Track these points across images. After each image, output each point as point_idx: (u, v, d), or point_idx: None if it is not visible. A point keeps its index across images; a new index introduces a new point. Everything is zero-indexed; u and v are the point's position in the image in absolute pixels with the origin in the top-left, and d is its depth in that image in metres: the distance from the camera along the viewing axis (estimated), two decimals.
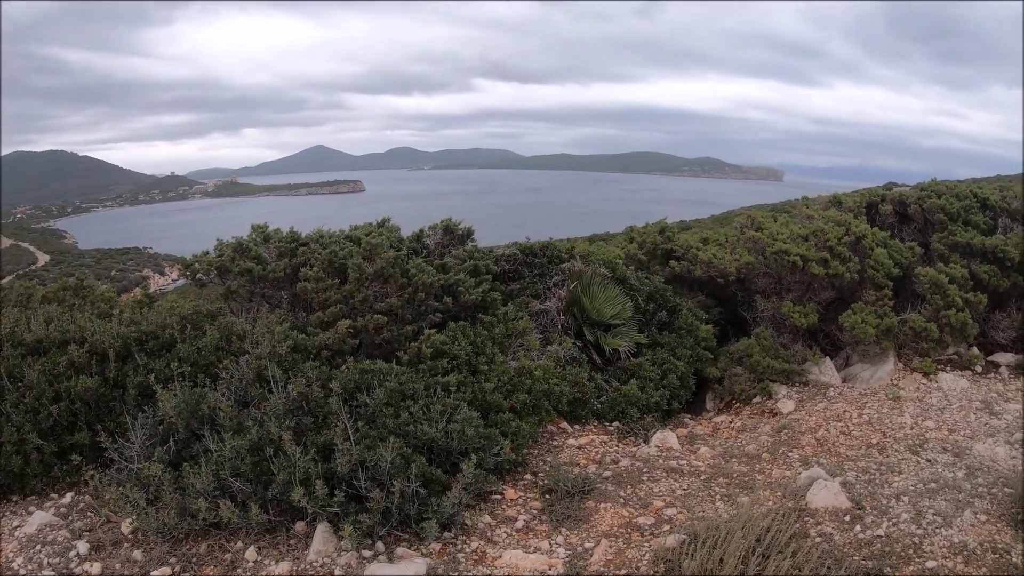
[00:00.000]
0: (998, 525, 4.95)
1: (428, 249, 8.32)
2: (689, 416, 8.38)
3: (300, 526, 4.85)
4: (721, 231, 11.21)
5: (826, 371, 8.23)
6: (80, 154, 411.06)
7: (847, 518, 5.09)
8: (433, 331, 6.76)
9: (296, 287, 7.15)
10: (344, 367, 6.02)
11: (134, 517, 4.70)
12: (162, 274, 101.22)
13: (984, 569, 4.46)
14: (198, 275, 7.84)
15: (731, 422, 7.84)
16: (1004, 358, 8.68)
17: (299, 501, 4.55)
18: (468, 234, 8.48)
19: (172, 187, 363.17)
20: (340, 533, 4.55)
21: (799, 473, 5.98)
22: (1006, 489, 5.38)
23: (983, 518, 5.03)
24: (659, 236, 10.26)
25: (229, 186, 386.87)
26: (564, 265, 8.62)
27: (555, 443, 6.88)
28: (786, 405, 7.73)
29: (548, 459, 6.46)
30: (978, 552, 4.62)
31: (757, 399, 8.09)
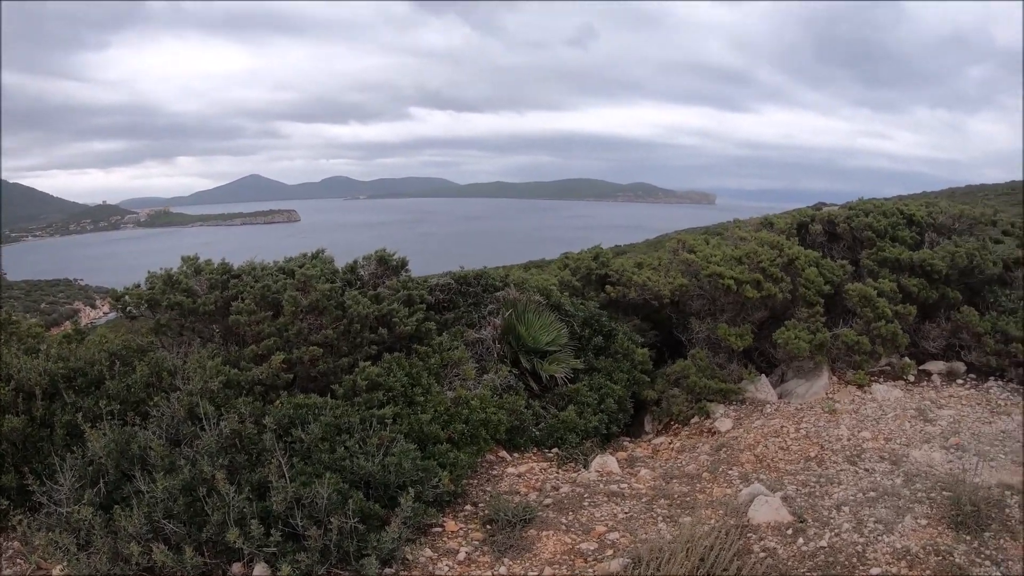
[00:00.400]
0: (939, 528, 5.00)
1: (362, 280, 8.22)
2: (629, 439, 8.35)
3: (237, 568, 4.68)
4: (655, 255, 11.26)
5: (762, 388, 8.27)
6: (9, 181, 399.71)
7: (789, 532, 5.08)
8: (368, 363, 6.65)
9: (228, 320, 6.98)
10: (278, 402, 5.88)
11: (65, 563, 4.47)
12: (93, 307, 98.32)
13: (928, 572, 4.49)
14: (128, 308, 7.61)
15: (670, 443, 7.82)
16: (936, 366, 8.87)
17: (235, 542, 4.40)
18: (402, 264, 8.39)
19: (104, 216, 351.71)
20: (278, 574, 4.40)
21: (740, 490, 5.97)
22: (944, 493, 5.44)
23: (924, 522, 5.07)
24: (593, 262, 10.28)
25: (162, 216, 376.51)
26: (499, 293, 8.58)
27: (495, 472, 6.79)
28: (724, 424, 7.74)
29: (488, 489, 6.37)
30: (921, 556, 4.65)
31: (695, 419, 8.08)
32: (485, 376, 7.52)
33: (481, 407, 6.76)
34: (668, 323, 9.63)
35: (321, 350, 6.69)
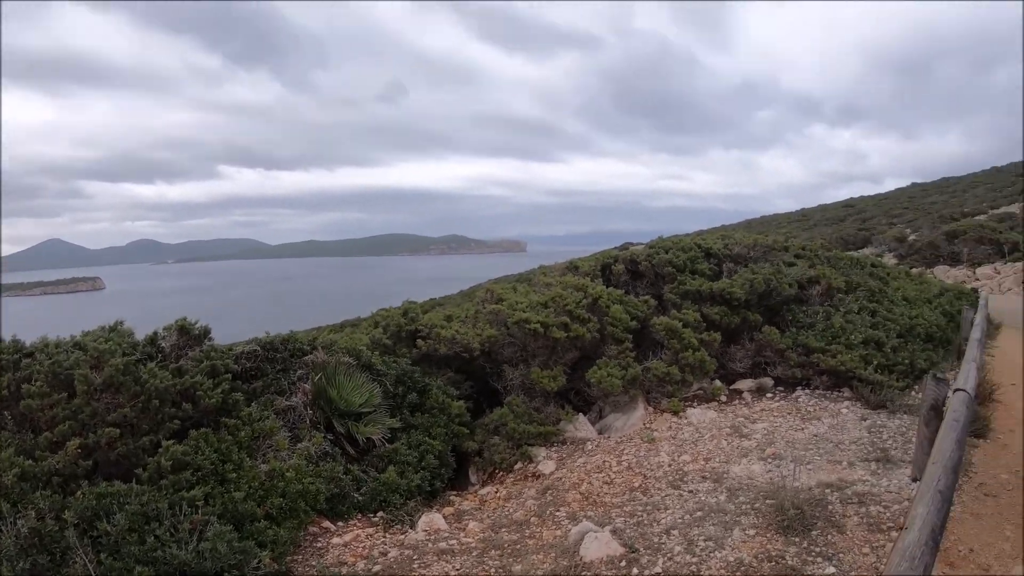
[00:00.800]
0: (768, 535, 5.04)
1: (164, 352, 7.67)
2: (455, 493, 8.11)
3: None
4: (467, 306, 11.20)
5: (581, 427, 8.25)
6: None
7: (623, 563, 4.97)
8: (172, 442, 6.13)
9: (21, 405, 6.31)
10: (79, 493, 5.31)
11: None
12: None
13: None
14: None
15: (497, 492, 7.64)
16: (745, 384, 9.23)
17: None
18: (205, 333, 7.90)
19: None
20: None
21: (569, 530, 5.82)
22: (768, 501, 5.53)
23: (752, 532, 5.10)
24: (403, 318, 10.07)
25: None
26: (307, 357, 8.22)
27: (319, 544, 6.39)
28: (547, 466, 7.64)
29: (314, 563, 5.96)
30: (755, 564, 4.65)
31: (519, 465, 7.95)
32: (299, 444, 7.13)
33: (297, 478, 6.38)
34: (482, 373, 9.51)
35: (119, 431, 6.12)
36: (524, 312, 8.84)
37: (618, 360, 8.65)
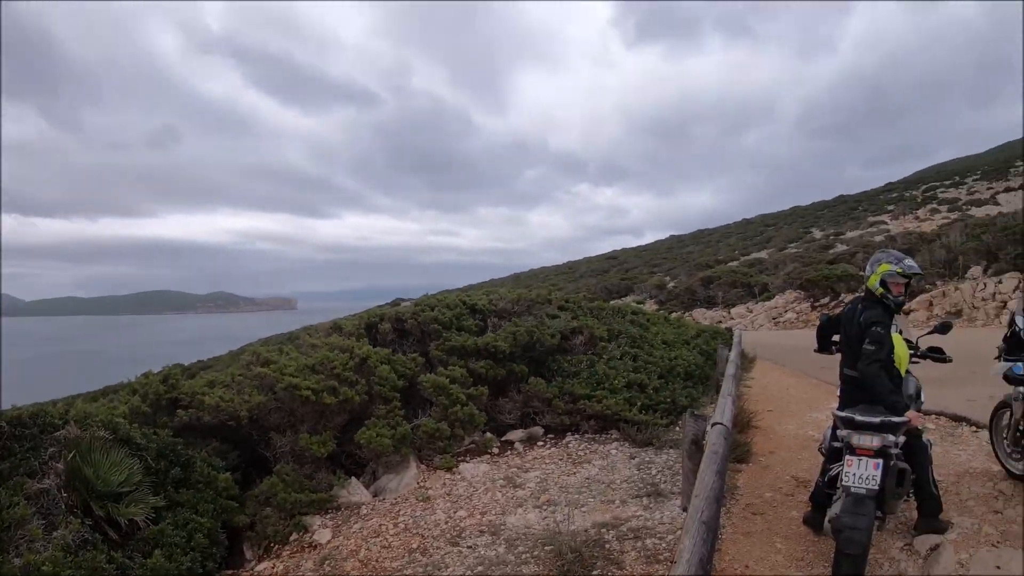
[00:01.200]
0: None
1: None
2: (230, 572, 7.62)
3: None
4: (230, 369, 10.68)
5: (355, 491, 7.99)
6: None
7: None
8: None
9: None
10: None
11: None
12: None
13: None
14: None
15: (273, 568, 7.21)
16: (516, 435, 9.33)
17: None
18: None
19: None
20: None
21: None
22: (546, 548, 5.54)
23: None
24: (162, 385, 9.41)
25: None
26: (59, 433, 7.51)
27: None
28: (323, 535, 7.32)
29: None
30: None
31: (294, 536, 7.55)
32: (55, 533, 6.45)
33: (55, 572, 5.78)
34: (250, 440, 9.03)
35: None
36: (293, 376, 8.52)
37: (387, 420, 8.49)
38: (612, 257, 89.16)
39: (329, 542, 7.18)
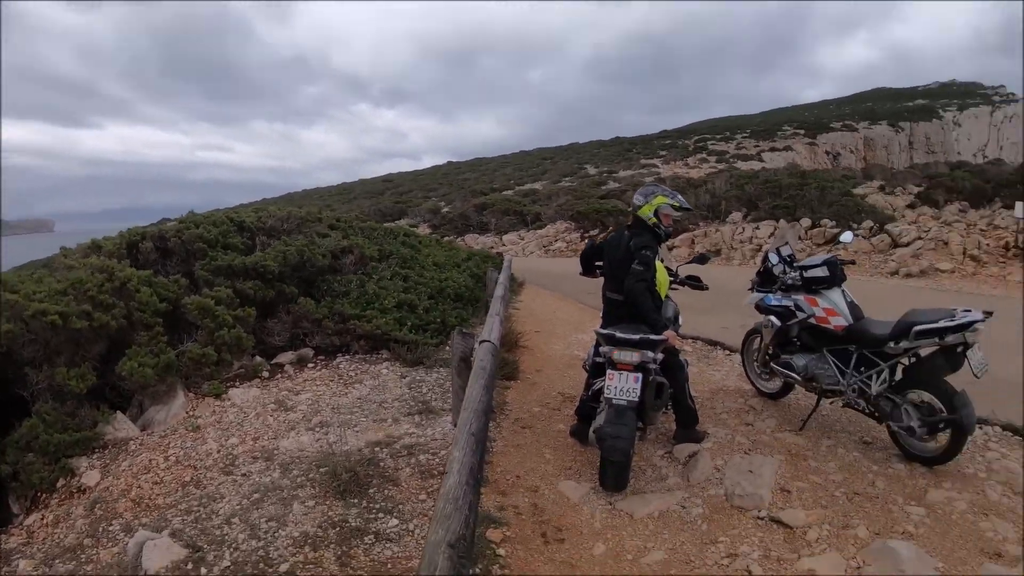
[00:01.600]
0: (328, 502, 5.16)
1: None
2: None
3: None
4: None
5: (121, 426, 7.63)
6: None
7: (189, 566, 4.69)
8: None
9: None
10: None
11: None
12: None
13: (332, 544, 4.60)
14: None
15: (43, 519, 6.74)
16: (286, 357, 9.26)
17: None
18: None
19: None
20: None
21: (127, 544, 5.37)
22: (321, 469, 5.65)
23: (312, 503, 5.17)
24: None
25: None
26: None
27: None
28: (92, 477, 6.92)
29: None
30: (321, 534, 4.72)
31: (61, 482, 7.06)
32: None
33: None
34: (4, 379, 8.45)
35: None
36: (42, 302, 7.96)
37: (150, 347, 8.10)
38: (388, 180, 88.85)
39: (98, 484, 6.82)
